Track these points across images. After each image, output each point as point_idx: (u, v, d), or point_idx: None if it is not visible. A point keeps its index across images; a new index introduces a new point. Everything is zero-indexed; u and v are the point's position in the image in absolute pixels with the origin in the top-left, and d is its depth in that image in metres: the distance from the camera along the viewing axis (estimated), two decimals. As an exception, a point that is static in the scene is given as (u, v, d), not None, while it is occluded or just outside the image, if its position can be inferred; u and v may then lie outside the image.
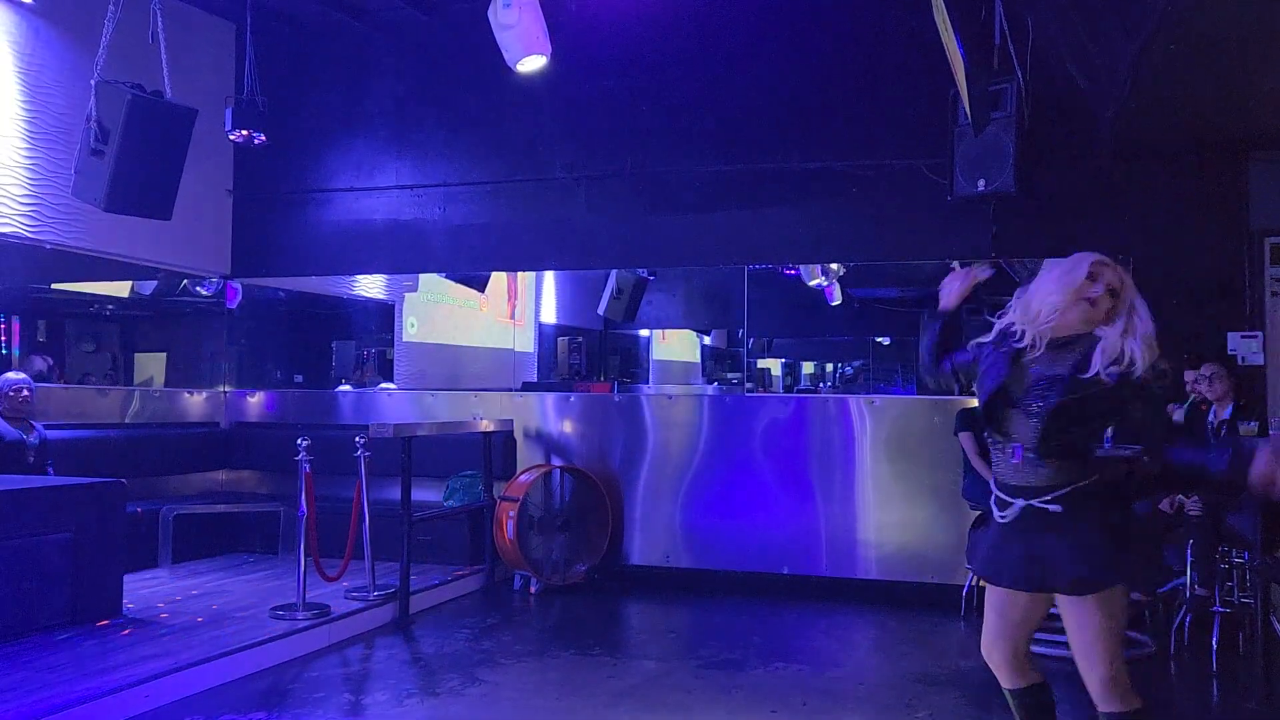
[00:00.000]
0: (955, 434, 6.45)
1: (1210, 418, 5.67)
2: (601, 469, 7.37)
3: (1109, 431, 3.29)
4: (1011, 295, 3.12)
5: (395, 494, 6.40)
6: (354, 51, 8.09)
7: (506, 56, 6.30)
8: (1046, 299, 2.95)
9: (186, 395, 8.34)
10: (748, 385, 8.29)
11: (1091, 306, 2.92)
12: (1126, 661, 3.30)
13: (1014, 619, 3.27)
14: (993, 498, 3.09)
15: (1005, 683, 3.43)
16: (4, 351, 9.16)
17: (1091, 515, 2.93)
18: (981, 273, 3.37)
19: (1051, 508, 2.94)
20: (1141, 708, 3.05)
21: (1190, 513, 5.41)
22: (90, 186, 5.66)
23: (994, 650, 3.35)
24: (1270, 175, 6.31)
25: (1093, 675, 3.10)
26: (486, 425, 7.27)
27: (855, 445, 6.92)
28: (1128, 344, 2.86)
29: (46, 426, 6.51)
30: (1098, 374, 2.86)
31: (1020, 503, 2.99)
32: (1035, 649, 5.46)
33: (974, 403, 6.48)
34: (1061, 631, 5.57)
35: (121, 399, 7.87)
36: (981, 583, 3.81)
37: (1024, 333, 2.99)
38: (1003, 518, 3.03)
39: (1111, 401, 2.90)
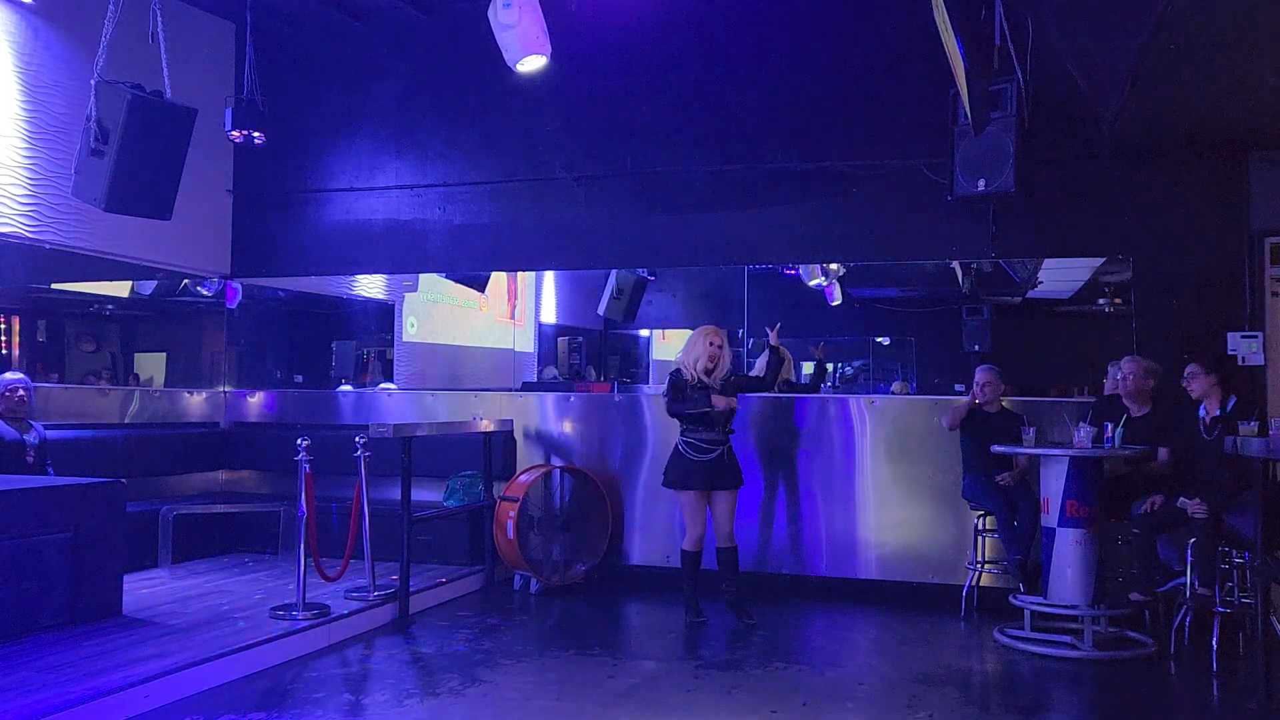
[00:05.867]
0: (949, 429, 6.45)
1: (1201, 413, 5.68)
2: (601, 469, 7.37)
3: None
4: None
5: (395, 494, 6.40)
6: (354, 51, 8.10)
7: (506, 56, 6.30)
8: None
9: (186, 395, 8.34)
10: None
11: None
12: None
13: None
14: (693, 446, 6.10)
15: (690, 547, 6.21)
16: (3, 351, 9.17)
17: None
18: None
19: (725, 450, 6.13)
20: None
21: (1196, 515, 5.39)
22: (90, 186, 5.66)
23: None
24: (1270, 175, 6.31)
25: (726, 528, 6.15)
26: (486, 425, 7.27)
27: (855, 445, 6.92)
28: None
29: (46, 426, 6.51)
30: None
31: (720, 449, 6.11)
32: (1027, 648, 5.49)
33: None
34: (1056, 631, 5.61)
35: (121, 399, 7.87)
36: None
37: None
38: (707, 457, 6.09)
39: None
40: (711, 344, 6.13)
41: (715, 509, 6.14)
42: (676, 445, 6.18)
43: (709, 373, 6.12)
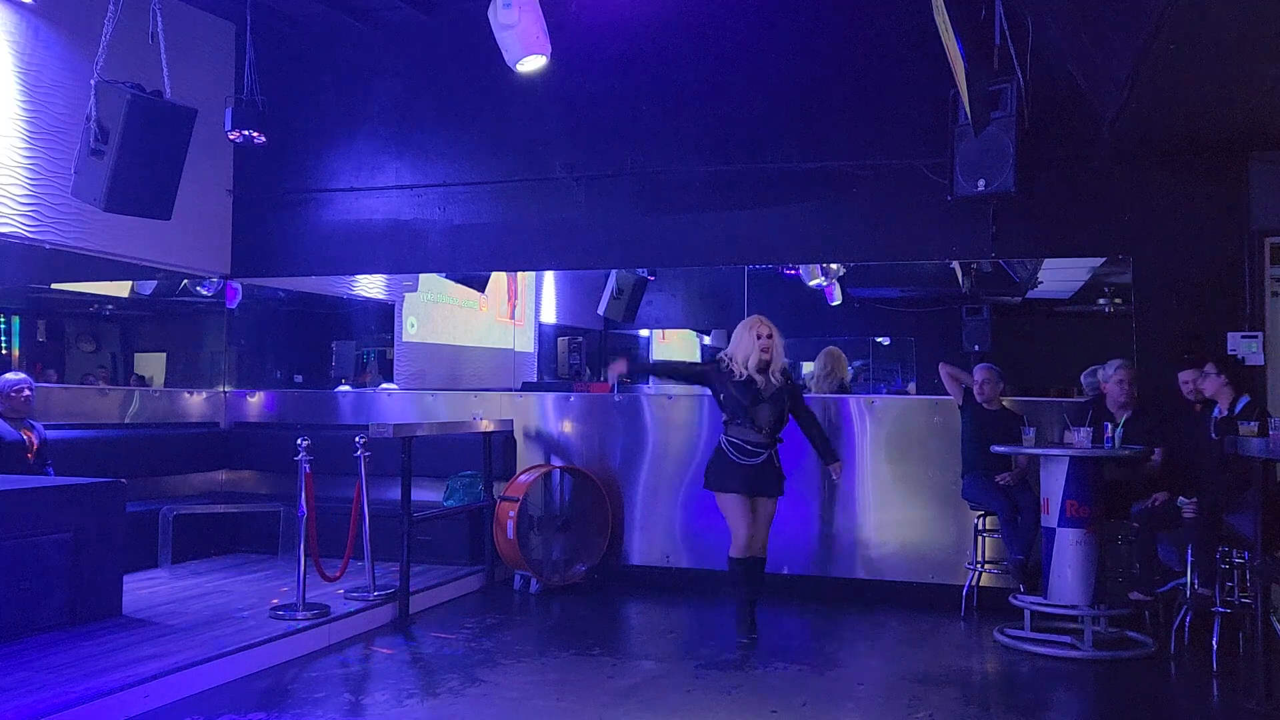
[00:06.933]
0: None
1: (1216, 413, 5.69)
2: (601, 469, 7.37)
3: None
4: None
5: (395, 494, 6.41)
6: (354, 51, 8.10)
7: (506, 56, 6.30)
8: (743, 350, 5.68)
9: (186, 395, 8.34)
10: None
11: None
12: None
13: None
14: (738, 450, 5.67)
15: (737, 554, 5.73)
16: (3, 351, 9.17)
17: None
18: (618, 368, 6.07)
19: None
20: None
21: (1186, 515, 5.41)
22: (90, 186, 5.66)
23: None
24: (1270, 175, 6.31)
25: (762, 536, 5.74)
26: (486, 425, 7.27)
27: (855, 445, 6.92)
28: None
29: (46, 426, 6.51)
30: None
31: (765, 453, 5.69)
32: (1027, 648, 5.49)
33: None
34: (1056, 631, 5.62)
35: (121, 399, 7.87)
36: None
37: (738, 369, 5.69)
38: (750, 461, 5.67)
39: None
40: (760, 336, 5.68)
41: (755, 515, 5.73)
42: (718, 444, 5.80)
43: (764, 368, 5.67)
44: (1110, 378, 6.11)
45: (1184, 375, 5.98)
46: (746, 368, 5.65)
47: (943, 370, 6.69)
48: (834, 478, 5.98)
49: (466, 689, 4.75)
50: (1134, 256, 6.62)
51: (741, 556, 5.67)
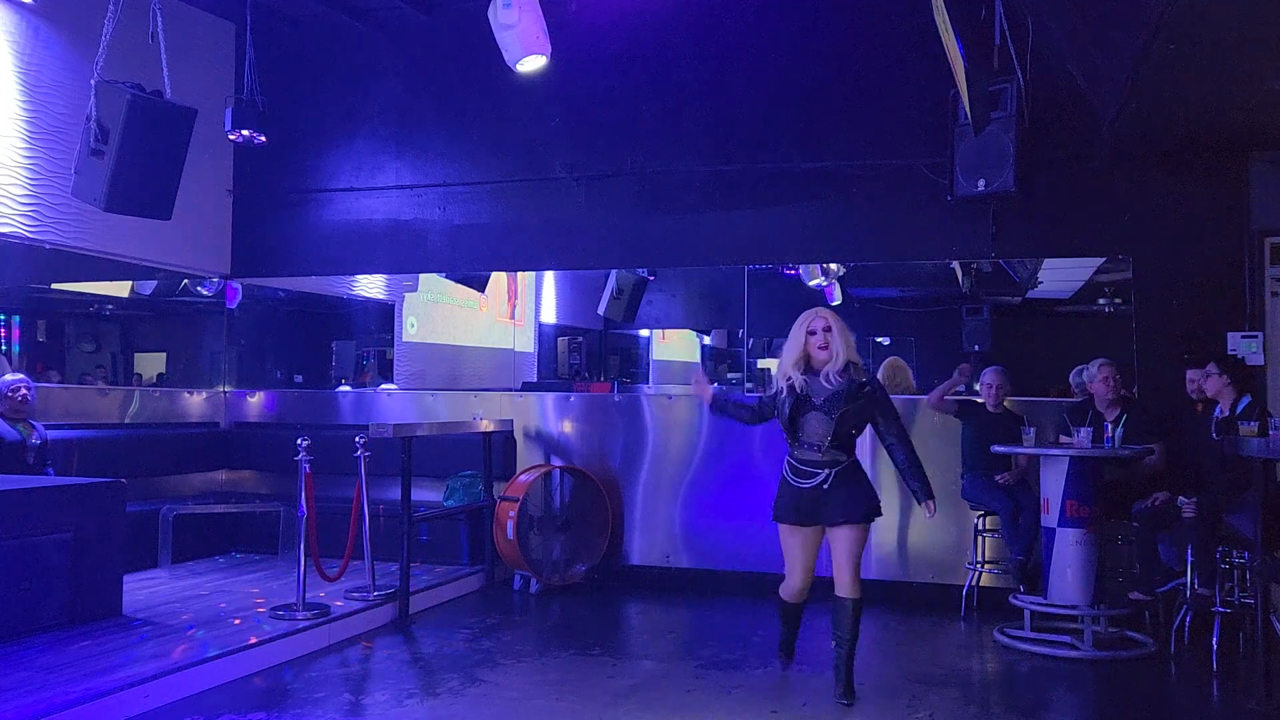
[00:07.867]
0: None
1: (1217, 413, 5.69)
2: (601, 469, 7.37)
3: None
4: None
5: (395, 494, 6.41)
6: (354, 51, 8.10)
7: (506, 56, 6.30)
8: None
9: (186, 395, 8.34)
10: (748, 385, 8.28)
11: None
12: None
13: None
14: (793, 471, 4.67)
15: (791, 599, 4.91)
16: (3, 347, 9.17)
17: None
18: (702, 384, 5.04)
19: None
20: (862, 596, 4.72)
21: (1186, 515, 5.42)
22: (90, 186, 5.66)
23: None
24: (1270, 175, 6.31)
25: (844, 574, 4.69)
26: (486, 425, 7.27)
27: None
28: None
29: (47, 426, 6.51)
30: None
31: (825, 472, 4.63)
32: (1027, 648, 5.50)
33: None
34: (1056, 631, 5.63)
35: (121, 399, 7.87)
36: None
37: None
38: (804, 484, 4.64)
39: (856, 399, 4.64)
40: (812, 333, 4.62)
41: (833, 547, 4.71)
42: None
43: (818, 369, 4.63)
44: (1095, 377, 6.10)
45: (1191, 374, 5.98)
46: (794, 371, 4.62)
47: (936, 409, 6.58)
48: (927, 517, 4.85)
49: (466, 689, 4.75)
50: (1134, 256, 6.62)
51: (787, 600, 4.89)
